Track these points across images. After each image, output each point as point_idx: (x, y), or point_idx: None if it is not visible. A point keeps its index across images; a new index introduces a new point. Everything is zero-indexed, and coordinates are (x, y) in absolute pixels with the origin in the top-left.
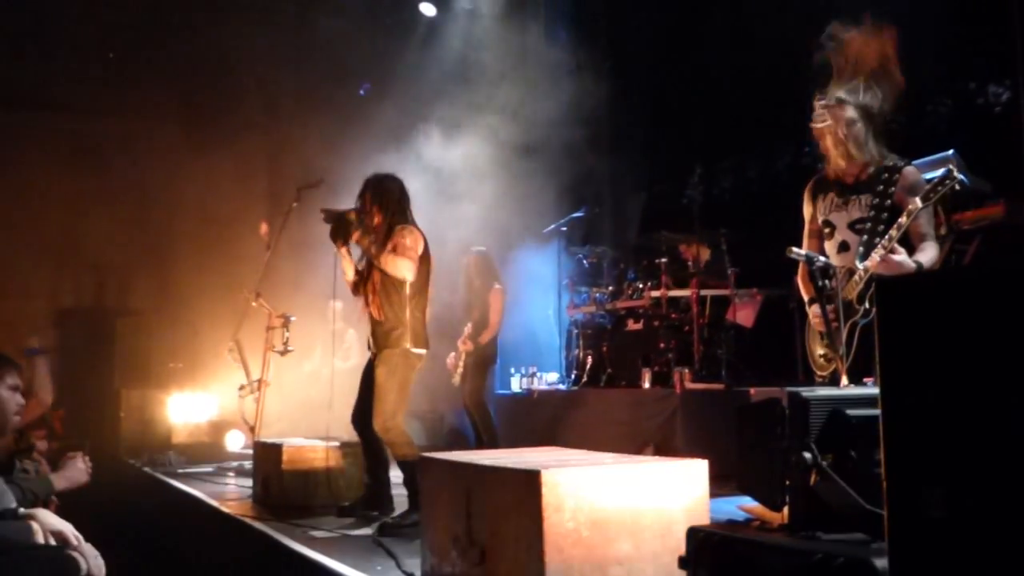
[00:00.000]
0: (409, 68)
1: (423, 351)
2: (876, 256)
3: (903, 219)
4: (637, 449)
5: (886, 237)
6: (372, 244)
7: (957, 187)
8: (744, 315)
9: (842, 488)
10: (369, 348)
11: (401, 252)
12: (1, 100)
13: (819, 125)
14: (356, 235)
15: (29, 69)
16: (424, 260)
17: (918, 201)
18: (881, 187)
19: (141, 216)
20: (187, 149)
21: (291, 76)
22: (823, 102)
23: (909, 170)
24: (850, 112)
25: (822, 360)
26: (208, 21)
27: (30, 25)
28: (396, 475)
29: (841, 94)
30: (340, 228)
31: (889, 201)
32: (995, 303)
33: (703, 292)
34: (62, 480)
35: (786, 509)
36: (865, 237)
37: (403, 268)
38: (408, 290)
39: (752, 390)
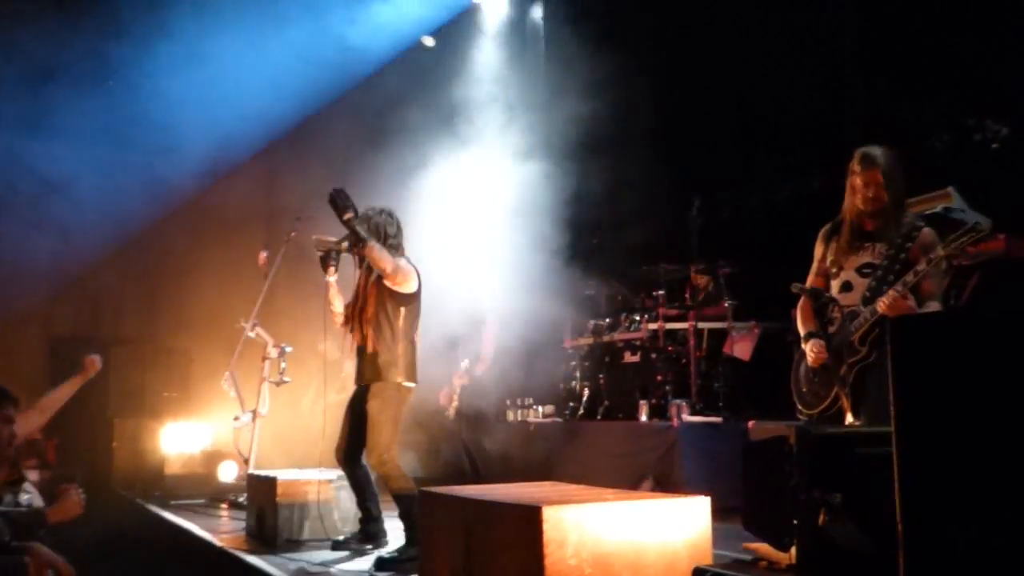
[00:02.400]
0: (409, 100)
1: (413, 385)
2: (886, 299)
3: (922, 266)
4: (635, 482)
5: (900, 282)
6: (368, 243)
7: (983, 239)
8: (741, 348)
9: (852, 528)
10: (358, 381)
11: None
12: None
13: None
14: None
15: (24, 96)
16: (417, 294)
17: (940, 250)
18: (899, 240)
19: (136, 245)
20: (185, 178)
21: (291, 104)
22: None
23: (928, 231)
24: (896, 163)
25: (810, 398)
26: (207, 48)
27: (28, 51)
28: (389, 508)
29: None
30: (329, 256)
31: (904, 255)
32: (1010, 341)
33: (700, 325)
34: (55, 512)
35: (794, 549)
36: (873, 283)
37: (393, 262)
38: (401, 323)
39: (750, 423)
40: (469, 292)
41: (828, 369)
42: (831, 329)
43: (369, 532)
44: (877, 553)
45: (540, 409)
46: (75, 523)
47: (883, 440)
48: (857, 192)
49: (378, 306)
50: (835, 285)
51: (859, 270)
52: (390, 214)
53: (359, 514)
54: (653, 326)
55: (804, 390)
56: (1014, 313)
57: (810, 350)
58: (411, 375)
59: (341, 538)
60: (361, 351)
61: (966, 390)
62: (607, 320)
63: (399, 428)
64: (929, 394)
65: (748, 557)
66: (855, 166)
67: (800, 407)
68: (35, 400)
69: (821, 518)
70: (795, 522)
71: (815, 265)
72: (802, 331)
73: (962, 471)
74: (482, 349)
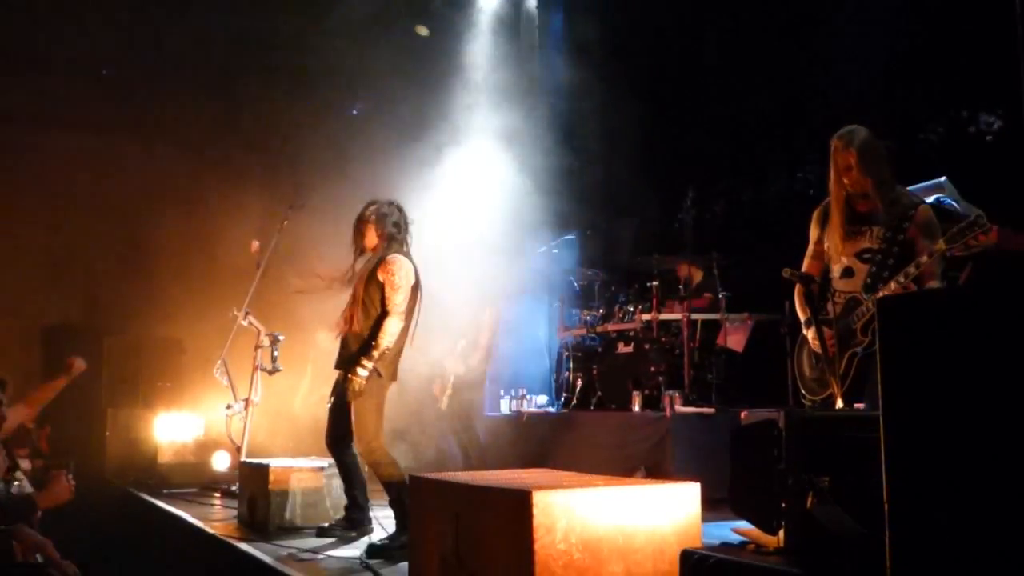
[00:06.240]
0: (403, 89)
1: (390, 383)
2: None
3: (925, 258)
4: (627, 473)
5: (902, 273)
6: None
7: (984, 232)
8: (735, 339)
9: (839, 511)
10: (338, 367)
11: (391, 290)
12: None
13: (845, 153)
14: None
15: (18, 85)
16: (413, 290)
17: (943, 243)
18: (895, 222)
19: (130, 235)
20: (179, 167)
21: (285, 95)
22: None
23: (924, 209)
24: (872, 142)
25: (813, 384)
26: (201, 41)
27: (21, 41)
28: (375, 496)
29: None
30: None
31: (902, 236)
32: (997, 321)
33: (694, 316)
34: (45, 497)
35: (781, 532)
36: (874, 269)
37: (394, 321)
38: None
39: (743, 413)
40: (468, 281)
41: (827, 355)
42: (828, 314)
43: (354, 519)
44: (865, 536)
45: (533, 399)
46: (67, 510)
47: (871, 424)
48: (839, 174)
49: (361, 296)
50: (836, 270)
51: (859, 255)
52: (399, 208)
53: (345, 501)
54: (646, 317)
55: (808, 375)
56: (1002, 292)
57: (814, 337)
58: (388, 371)
59: (326, 525)
60: (342, 340)
61: (955, 370)
62: (600, 311)
63: (383, 414)
64: (917, 374)
65: (736, 540)
66: (834, 148)
67: (804, 392)
68: (27, 393)
69: (809, 501)
70: (783, 505)
71: (810, 248)
72: (801, 317)
73: (949, 453)
74: (480, 339)
